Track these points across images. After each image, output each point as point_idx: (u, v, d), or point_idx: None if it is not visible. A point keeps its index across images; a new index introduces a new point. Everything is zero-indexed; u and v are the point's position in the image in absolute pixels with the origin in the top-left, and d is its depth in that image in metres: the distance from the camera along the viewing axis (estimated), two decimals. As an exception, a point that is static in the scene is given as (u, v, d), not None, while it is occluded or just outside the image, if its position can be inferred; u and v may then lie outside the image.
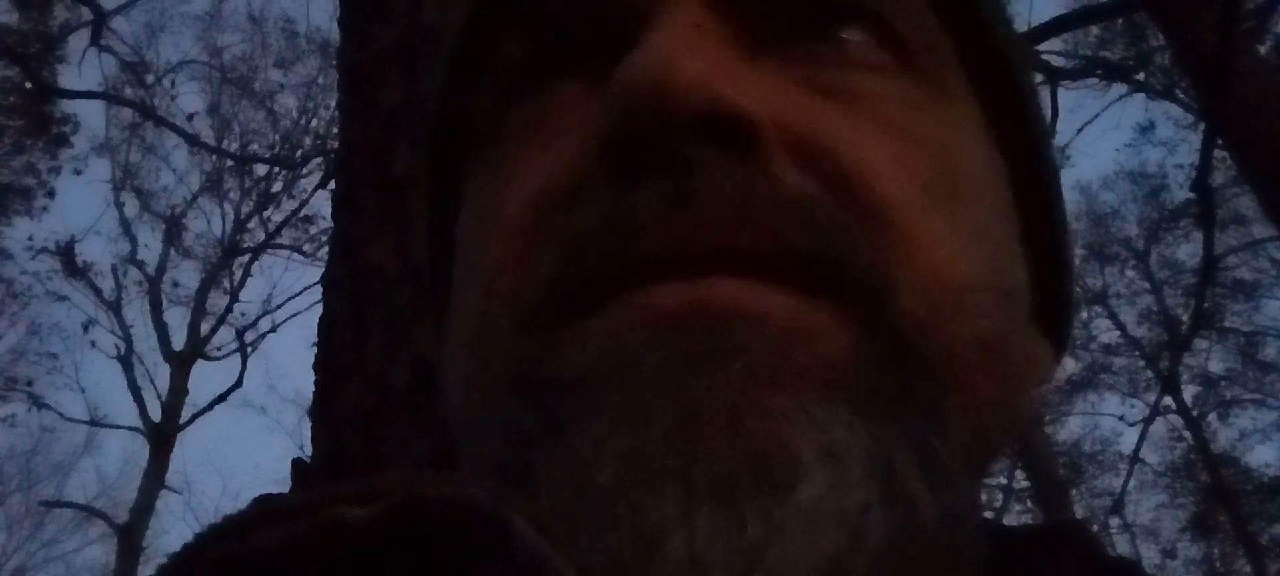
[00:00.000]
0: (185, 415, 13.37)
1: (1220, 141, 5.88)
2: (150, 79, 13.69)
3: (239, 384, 13.43)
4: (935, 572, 0.29)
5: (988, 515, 0.38)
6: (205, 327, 14.19)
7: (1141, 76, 11.64)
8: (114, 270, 14.33)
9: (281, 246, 14.33)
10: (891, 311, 0.30)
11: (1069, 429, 15.20)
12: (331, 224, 1.99)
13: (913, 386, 0.29)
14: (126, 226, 14.56)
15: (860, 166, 0.31)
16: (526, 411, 0.29)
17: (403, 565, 0.24)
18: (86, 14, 11.73)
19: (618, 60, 0.31)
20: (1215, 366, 14.10)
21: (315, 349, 1.81)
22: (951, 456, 0.29)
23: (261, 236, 14.46)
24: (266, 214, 14.48)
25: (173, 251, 14.54)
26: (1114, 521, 13.76)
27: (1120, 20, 9.80)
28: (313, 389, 1.77)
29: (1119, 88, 11.96)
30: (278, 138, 14.40)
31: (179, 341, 13.86)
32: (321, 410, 1.72)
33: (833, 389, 0.28)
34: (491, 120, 0.36)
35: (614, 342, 0.28)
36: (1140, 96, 12.49)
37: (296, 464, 1.69)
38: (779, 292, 0.29)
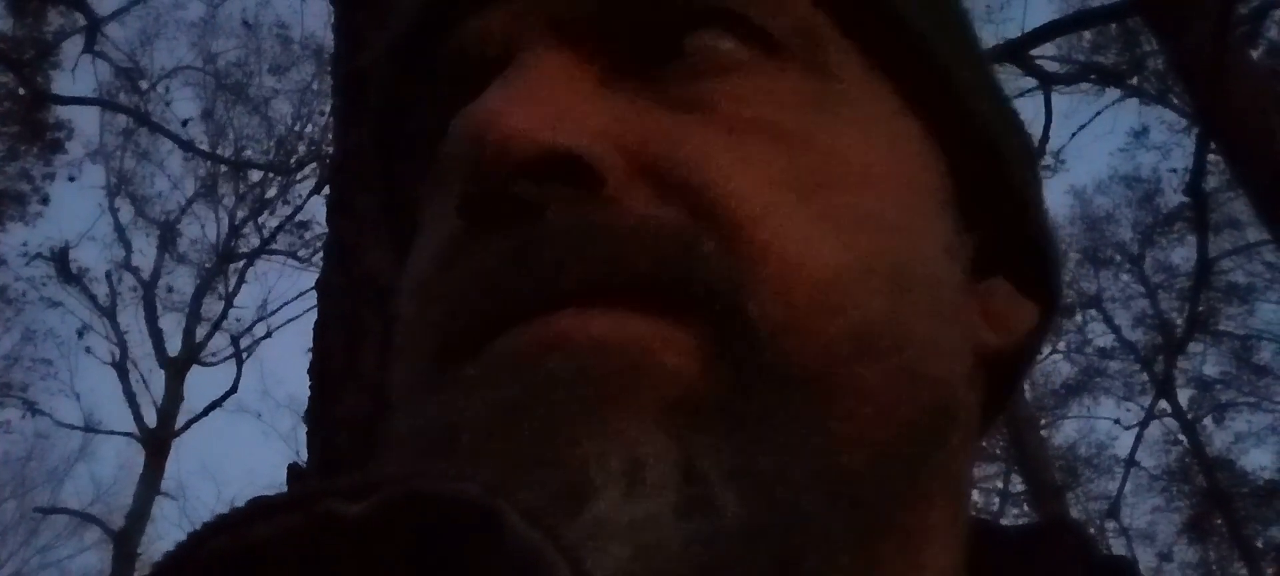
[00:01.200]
0: (180, 421, 13.35)
1: (1214, 146, 5.89)
2: (145, 85, 13.69)
3: (234, 390, 13.41)
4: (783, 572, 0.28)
5: (984, 516, 0.38)
6: (200, 333, 14.17)
7: (1135, 81, 11.65)
8: (108, 276, 14.32)
9: (276, 252, 14.32)
10: (743, 321, 0.29)
11: (1065, 432, 15.23)
12: (326, 230, 1.99)
13: (756, 397, 0.29)
14: (121, 232, 14.55)
15: (707, 179, 0.31)
16: (426, 458, 0.30)
17: (397, 558, 0.24)
18: (81, 20, 11.71)
19: None
20: (1210, 370, 14.14)
21: (310, 355, 1.81)
22: (791, 461, 0.28)
23: (256, 242, 14.45)
24: (261, 220, 14.47)
25: (167, 257, 14.52)
26: (1110, 525, 13.77)
27: (1114, 25, 9.82)
28: (308, 395, 1.77)
29: (1113, 92, 11.98)
30: (272, 143, 14.39)
31: (174, 347, 13.84)
32: (317, 416, 1.72)
33: (658, 406, 0.28)
34: (414, 169, 0.38)
35: (477, 390, 0.29)
36: (1134, 101, 12.52)
37: (292, 469, 1.69)
38: (621, 318, 0.29)
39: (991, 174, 0.37)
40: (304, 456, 1.73)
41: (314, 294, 1.91)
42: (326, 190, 2.19)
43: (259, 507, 0.25)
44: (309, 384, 1.77)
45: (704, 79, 0.33)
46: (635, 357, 0.28)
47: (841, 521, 0.30)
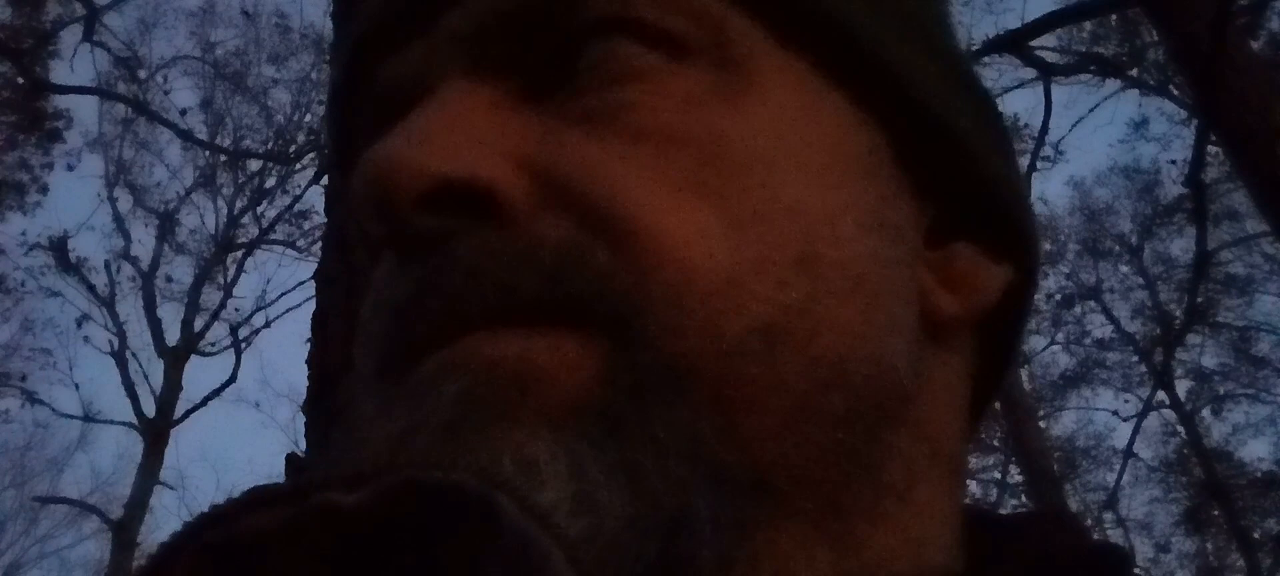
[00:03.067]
0: (179, 410, 13.37)
1: (1213, 137, 5.89)
2: (143, 74, 13.69)
3: (233, 379, 13.45)
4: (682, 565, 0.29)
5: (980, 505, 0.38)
6: (199, 323, 14.19)
7: (1135, 72, 11.66)
8: (107, 265, 14.33)
9: (275, 242, 14.34)
10: (635, 328, 0.30)
11: (1063, 424, 15.26)
12: (325, 219, 1.99)
13: (652, 401, 0.29)
14: (120, 222, 14.55)
15: (600, 191, 0.32)
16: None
17: (393, 547, 0.25)
18: (79, 9, 11.70)
19: None
20: (1208, 361, 14.16)
21: (309, 345, 1.81)
22: (677, 458, 0.29)
23: (255, 232, 14.47)
24: (260, 209, 14.49)
25: (166, 247, 14.53)
26: (1108, 516, 13.80)
27: (1113, 16, 9.81)
28: (307, 385, 1.77)
29: (1112, 83, 11.98)
30: (271, 133, 14.40)
31: (173, 337, 13.86)
32: (315, 406, 1.72)
33: (547, 417, 0.29)
34: None
35: (400, 412, 0.30)
36: (1134, 92, 12.52)
37: (290, 459, 1.69)
38: (515, 338, 0.30)
39: (936, 138, 0.37)
40: (303, 446, 1.73)
41: (313, 284, 1.91)
42: (325, 180, 2.19)
43: (256, 498, 0.25)
44: (308, 374, 1.77)
45: (607, 89, 0.34)
46: (524, 374, 0.29)
47: (773, 514, 0.30)
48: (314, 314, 1.83)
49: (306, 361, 1.79)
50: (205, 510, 0.25)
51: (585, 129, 0.33)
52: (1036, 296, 0.40)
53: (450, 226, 0.31)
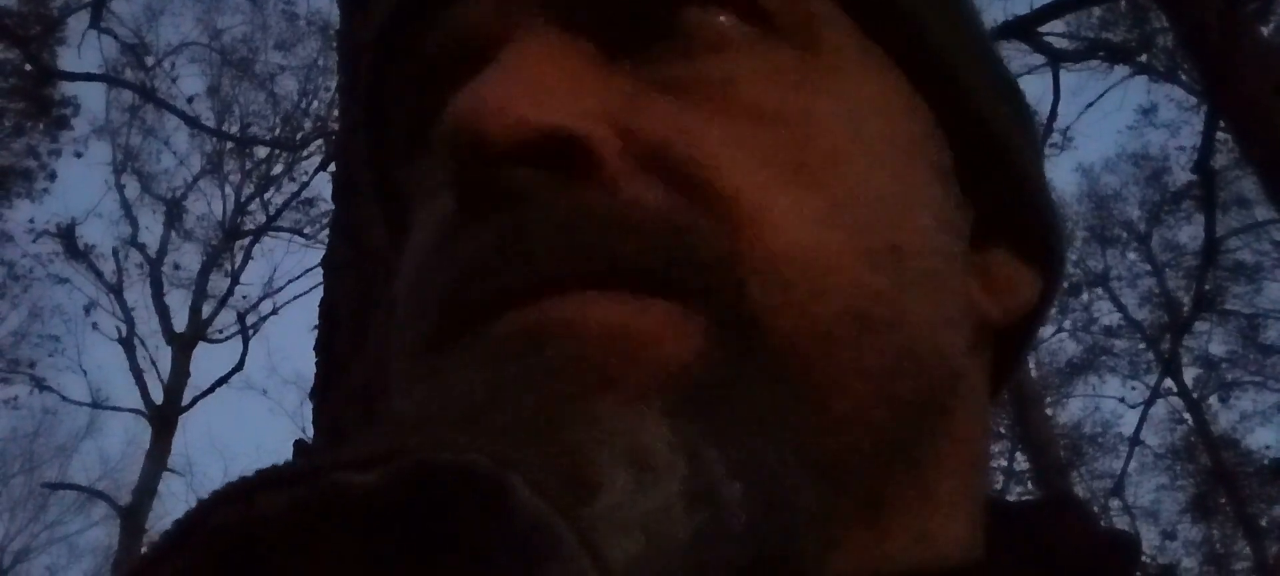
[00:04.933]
0: (187, 397, 13.40)
1: (1222, 124, 5.87)
2: (150, 61, 13.67)
3: (240, 366, 13.46)
4: (784, 562, 0.28)
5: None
6: (206, 310, 14.22)
7: (1144, 58, 11.60)
8: (115, 253, 14.35)
9: (282, 229, 14.34)
10: (742, 304, 0.29)
11: (1070, 411, 15.22)
12: (332, 206, 1.99)
13: (755, 381, 0.29)
14: (127, 209, 14.57)
15: (702, 162, 0.31)
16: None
17: (405, 528, 0.25)
18: (86, -4, 11.70)
19: None
20: (1216, 349, 14.12)
21: (317, 331, 1.82)
22: (789, 448, 0.28)
23: (262, 219, 14.47)
24: (267, 196, 14.49)
25: (174, 234, 14.55)
26: (1114, 503, 13.79)
27: (1123, 2, 9.77)
28: (314, 371, 1.78)
29: (1121, 70, 11.92)
30: (278, 120, 14.40)
31: (180, 324, 13.89)
32: (323, 392, 1.73)
33: (658, 392, 0.27)
34: (398, 162, 0.38)
35: (474, 374, 0.28)
36: (1143, 79, 12.46)
37: (298, 445, 1.70)
38: (616, 303, 0.29)
39: (986, 144, 0.37)
40: (310, 432, 1.73)
41: (320, 271, 1.92)
42: (332, 167, 2.19)
43: (266, 478, 0.25)
44: (315, 360, 1.78)
45: (697, 59, 0.33)
46: (632, 342, 0.28)
47: (840, 504, 0.30)
48: (322, 300, 1.83)
49: (314, 348, 1.80)
50: (216, 490, 0.25)
51: (678, 96, 0.32)
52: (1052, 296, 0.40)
53: (537, 180, 0.30)
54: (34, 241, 13.54)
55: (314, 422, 1.74)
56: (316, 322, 1.83)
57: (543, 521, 0.24)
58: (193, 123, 13.99)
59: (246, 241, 14.55)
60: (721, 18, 0.33)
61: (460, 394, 0.28)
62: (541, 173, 0.30)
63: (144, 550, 0.26)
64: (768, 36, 0.34)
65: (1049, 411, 13.40)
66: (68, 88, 12.55)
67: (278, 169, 14.42)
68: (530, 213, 0.30)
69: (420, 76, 0.37)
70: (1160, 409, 14.16)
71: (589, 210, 0.30)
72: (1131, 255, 14.85)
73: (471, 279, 0.30)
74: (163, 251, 14.35)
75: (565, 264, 0.29)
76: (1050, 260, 0.39)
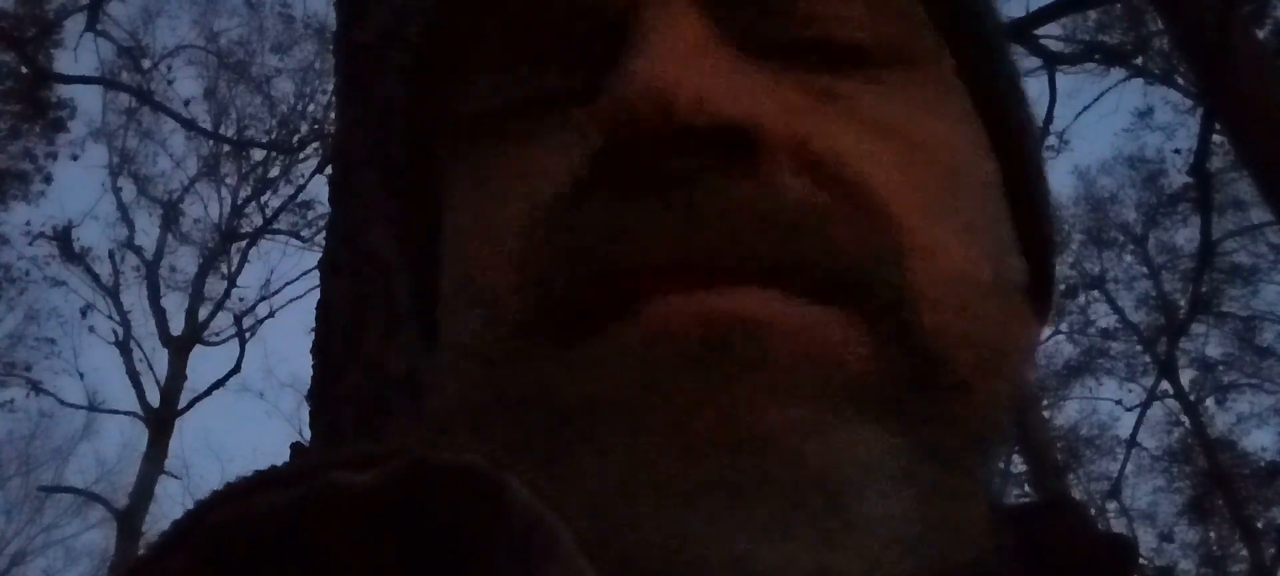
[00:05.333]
0: (183, 400, 13.39)
1: (1218, 126, 5.87)
2: (147, 64, 13.66)
3: (237, 369, 13.43)
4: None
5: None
6: (203, 313, 14.20)
7: (1140, 61, 11.62)
8: (111, 255, 14.33)
9: (279, 231, 14.33)
10: (909, 321, 0.29)
11: (1066, 413, 15.22)
12: (329, 209, 1.99)
13: (932, 397, 0.29)
14: (124, 211, 14.55)
15: (863, 174, 0.30)
16: (543, 431, 0.28)
17: (401, 527, 0.25)
18: (82, -1, 11.69)
19: (600, 65, 0.31)
20: (1213, 351, 14.14)
21: (313, 334, 1.82)
22: (972, 464, 0.29)
23: (259, 221, 14.46)
24: (264, 199, 14.47)
25: (170, 236, 14.54)
26: (1111, 505, 13.80)
27: (1119, 4, 9.78)
28: (311, 374, 1.78)
29: (1117, 72, 11.94)
30: (275, 122, 14.38)
31: (177, 326, 13.87)
32: (320, 395, 1.73)
33: (859, 403, 0.27)
34: (471, 119, 0.35)
35: (632, 360, 0.27)
36: (1139, 81, 12.48)
37: (295, 448, 1.70)
38: (795, 303, 0.28)
39: (1021, 170, 0.38)
40: (307, 435, 1.73)
41: (317, 273, 1.92)
42: (329, 169, 2.19)
43: (264, 478, 0.25)
44: (312, 362, 1.77)
45: (845, 73, 0.33)
46: (814, 347, 0.27)
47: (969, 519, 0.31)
48: (318, 303, 1.83)
49: (311, 350, 1.79)
50: (216, 489, 0.25)
51: (829, 106, 0.32)
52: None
53: (704, 166, 0.29)
54: (30, 244, 13.54)
55: (311, 425, 1.73)
56: (313, 325, 1.83)
57: (540, 521, 0.24)
58: (189, 125, 13.99)
59: (243, 244, 14.54)
60: (856, 34, 0.33)
61: (609, 385, 0.27)
62: (709, 159, 0.29)
63: (142, 550, 0.26)
64: (896, 62, 0.34)
65: (1046, 413, 13.41)
66: (64, 90, 12.55)
67: (274, 171, 14.43)
68: (700, 194, 0.29)
69: (513, 43, 0.34)
70: (1157, 411, 14.19)
71: (761, 201, 0.29)
72: (1128, 258, 14.88)
73: (630, 247, 0.29)
74: (159, 254, 14.34)
75: (741, 248, 0.28)
76: (1048, 289, 0.40)
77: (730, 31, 0.32)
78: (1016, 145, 0.38)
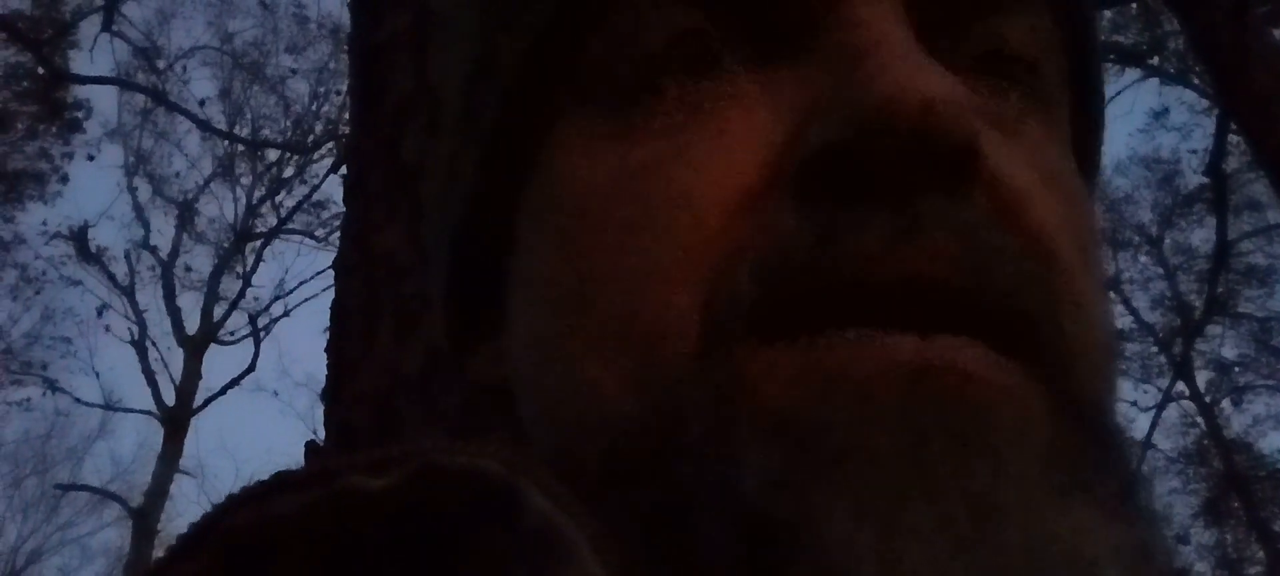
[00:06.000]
0: (199, 399, 13.44)
1: (1234, 126, 5.84)
2: (162, 64, 13.73)
3: (252, 368, 13.50)
4: None
5: None
6: (218, 312, 14.25)
7: (1155, 61, 11.57)
8: (127, 255, 14.41)
9: (294, 232, 14.38)
10: (1072, 381, 0.28)
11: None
12: (343, 209, 2.00)
13: (1115, 468, 0.28)
14: (139, 211, 14.61)
15: (1044, 222, 0.29)
16: (763, 450, 0.26)
17: (417, 532, 0.25)
18: (98, 0, 11.76)
19: (791, 42, 0.30)
20: (1229, 352, 14.06)
21: (328, 334, 1.82)
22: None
23: (274, 222, 14.51)
24: (278, 199, 14.52)
25: (185, 236, 14.60)
26: (1126, 507, 13.71)
27: (1134, 4, 9.73)
28: (325, 373, 1.78)
29: (1132, 72, 11.89)
30: (289, 123, 14.43)
31: (192, 326, 13.93)
32: (334, 395, 1.73)
33: (1066, 472, 0.26)
34: (619, 83, 0.32)
35: (860, 397, 0.25)
36: (1154, 81, 12.42)
37: (309, 447, 1.70)
38: (998, 355, 0.26)
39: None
40: (321, 434, 1.74)
41: (331, 273, 1.92)
42: (343, 170, 2.20)
43: (280, 482, 0.25)
44: (326, 363, 1.78)
45: (1012, 105, 0.32)
46: (1018, 412, 0.26)
47: None
48: (332, 303, 1.84)
49: (325, 350, 1.80)
50: (231, 493, 0.26)
51: (1007, 140, 0.31)
52: None
53: (927, 186, 0.27)
54: (46, 244, 13.62)
55: (325, 425, 1.74)
56: (327, 325, 1.84)
57: (553, 525, 0.24)
58: (204, 126, 14.04)
59: (258, 244, 14.59)
60: (1016, 60, 0.32)
61: (881, 415, 0.25)
62: (939, 178, 0.27)
63: (160, 553, 0.26)
64: (1045, 103, 0.33)
65: (1060, 415, 13.32)
66: (80, 91, 12.62)
67: (289, 172, 14.48)
68: (923, 214, 0.27)
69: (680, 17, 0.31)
70: (1172, 413, 14.10)
71: (978, 233, 0.27)
72: (1143, 258, 14.81)
73: (845, 260, 0.27)
74: (174, 254, 14.40)
75: (960, 280, 0.27)
76: None
77: (920, 35, 0.30)
78: (1091, 183, 0.38)
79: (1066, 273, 0.29)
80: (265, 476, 0.26)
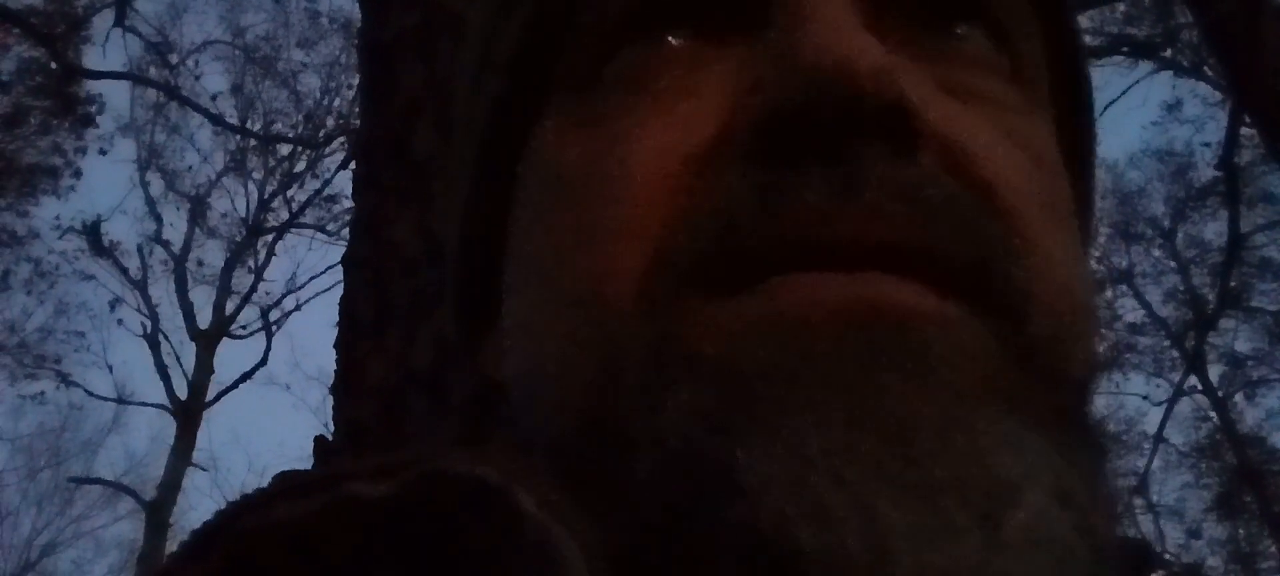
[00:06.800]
0: (211, 393, 13.49)
1: (1247, 119, 5.81)
2: (174, 59, 13.75)
3: (264, 362, 13.55)
4: None
5: None
6: (230, 306, 14.29)
7: (1168, 53, 11.50)
8: (140, 249, 14.45)
9: (305, 226, 14.39)
10: (1028, 327, 0.29)
11: (1093, 408, 15.09)
12: (353, 203, 2.01)
13: (1056, 404, 0.29)
14: (152, 206, 14.66)
15: (1000, 178, 0.31)
16: (693, 391, 0.27)
17: (417, 537, 0.25)
18: (111, -5, 11.79)
19: (742, 19, 0.31)
20: (1242, 346, 13.98)
21: (337, 328, 1.83)
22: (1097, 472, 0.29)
23: (285, 216, 14.52)
24: (290, 193, 14.54)
25: (198, 230, 14.63)
26: (1138, 501, 13.69)
27: (1147, -3, 9.68)
28: (335, 367, 1.79)
29: (1145, 65, 11.82)
30: (301, 117, 14.45)
31: (204, 320, 13.97)
32: (343, 389, 1.74)
33: (1003, 403, 0.27)
34: (583, 67, 0.34)
35: (789, 331, 0.27)
36: (1167, 74, 12.35)
37: (319, 441, 1.71)
38: (940, 296, 0.28)
39: (1085, 179, 0.39)
40: (333, 428, 1.75)
41: (341, 268, 1.93)
42: (353, 165, 2.21)
43: (285, 487, 0.26)
44: (336, 357, 1.79)
45: (976, 73, 0.33)
46: (961, 344, 0.27)
47: None
48: (342, 298, 1.85)
49: (334, 345, 1.81)
50: (236, 499, 0.26)
51: (963, 104, 0.32)
52: None
53: (869, 145, 0.29)
54: (60, 238, 13.66)
55: (334, 418, 1.75)
56: (338, 319, 1.85)
57: (548, 532, 0.24)
58: (216, 120, 14.07)
59: (270, 238, 14.62)
60: (986, 39, 0.34)
61: (815, 352, 0.26)
62: (875, 138, 0.29)
63: (169, 554, 0.26)
64: (1015, 72, 0.34)
65: (1072, 408, 13.26)
66: (93, 86, 12.64)
67: (300, 166, 14.49)
68: (865, 173, 0.28)
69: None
70: (1185, 406, 14.05)
71: (920, 188, 0.29)
72: (1156, 252, 14.73)
73: (785, 218, 0.28)
74: (187, 248, 14.45)
75: (898, 233, 0.28)
76: None
77: (872, 7, 0.31)
78: (1085, 183, 0.39)
79: (1021, 224, 0.30)
80: (271, 477, 0.27)
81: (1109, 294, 14.44)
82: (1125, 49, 11.11)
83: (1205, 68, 11.29)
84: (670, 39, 0.33)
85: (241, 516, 0.26)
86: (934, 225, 0.28)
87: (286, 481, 0.26)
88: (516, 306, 0.35)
